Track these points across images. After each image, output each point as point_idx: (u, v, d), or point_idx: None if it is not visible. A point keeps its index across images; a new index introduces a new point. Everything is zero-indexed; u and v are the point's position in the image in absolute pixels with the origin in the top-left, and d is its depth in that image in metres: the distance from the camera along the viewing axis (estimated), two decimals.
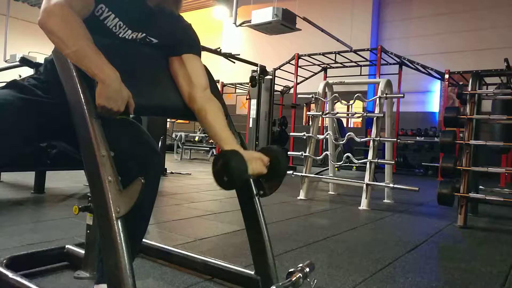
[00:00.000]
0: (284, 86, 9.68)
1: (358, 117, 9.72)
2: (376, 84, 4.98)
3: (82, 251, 1.52)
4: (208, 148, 9.73)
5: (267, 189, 1.22)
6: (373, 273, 1.76)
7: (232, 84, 11.35)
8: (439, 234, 2.70)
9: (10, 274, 1.27)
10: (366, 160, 3.77)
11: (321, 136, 4.25)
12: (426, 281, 1.70)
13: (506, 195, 3.35)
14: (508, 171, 3.68)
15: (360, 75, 9.03)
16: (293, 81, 9.37)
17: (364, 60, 8.67)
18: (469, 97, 3.07)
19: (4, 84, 1.20)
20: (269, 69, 7.69)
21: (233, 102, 12.58)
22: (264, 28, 6.24)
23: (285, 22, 5.91)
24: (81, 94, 0.99)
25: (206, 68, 1.33)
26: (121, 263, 0.89)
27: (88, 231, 1.48)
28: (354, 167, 7.68)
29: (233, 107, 12.43)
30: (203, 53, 1.38)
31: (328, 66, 9.46)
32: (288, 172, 3.47)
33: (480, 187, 3.56)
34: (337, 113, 5.16)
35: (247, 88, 8.37)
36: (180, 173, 5.80)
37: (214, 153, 9.33)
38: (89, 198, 1.42)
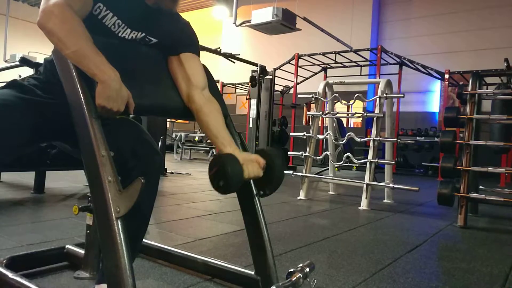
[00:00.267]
0: (284, 86, 9.68)
1: (358, 117, 9.69)
2: (376, 84, 4.99)
3: (82, 251, 1.52)
4: (208, 148, 9.73)
5: (267, 189, 1.22)
6: (373, 273, 1.76)
7: (232, 84, 11.35)
8: (439, 234, 2.70)
9: (10, 274, 1.27)
10: (366, 160, 3.77)
11: (321, 136, 4.25)
12: (426, 281, 1.70)
13: (506, 195, 3.35)
14: (508, 171, 3.67)
15: (360, 75, 9.03)
16: (293, 81, 9.37)
17: (364, 60, 8.67)
18: (469, 97, 3.07)
19: (4, 84, 1.20)
20: (269, 69, 7.68)
21: (233, 102, 12.58)
22: (264, 28, 6.24)
23: (285, 22, 5.91)
24: (81, 94, 0.99)
25: (205, 68, 1.33)
26: (121, 263, 0.89)
27: (88, 231, 1.48)
28: (354, 167, 7.68)
29: (233, 107, 12.44)
30: (203, 53, 1.37)
31: (328, 66, 9.46)
32: (288, 172, 3.48)
33: (480, 187, 3.55)
34: (337, 113, 5.16)
35: (247, 88, 8.37)
36: (180, 173, 5.80)
37: (214, 153, 9.33)
38: (89, 198, 1.42)
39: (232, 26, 7.66)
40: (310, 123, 4.47)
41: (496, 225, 3.23)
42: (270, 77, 7.61)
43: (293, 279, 1.11)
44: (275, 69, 8.60)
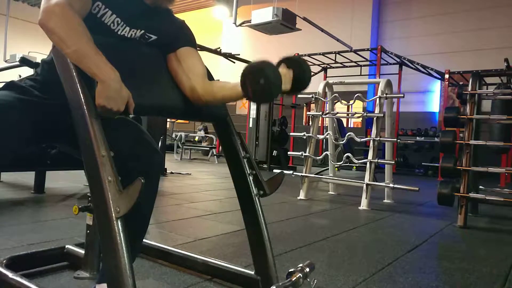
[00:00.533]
0: None
1: (358, 117, 9.70)
2: (376, 84, 4.98)
3: (82, 251, 1.52)
4: (208, 148, 9.73)
5: (267, 189, 1.21)
6: (373, 273, 1.76)
7: None
8: (439, 234, 2.70)
9: (10, 274, 1.27)
10: (366, 160, 3.77)
11: (321, 136, 4.25)
12: (426, 281, 1.70)
13: (506, 195, 3.35)
14: (508, 171, 3.67)
15: (360, 75, 9.03)
16: None
17: (364, 60, 8.67)
18: (469, 97, 3.07)
19: (3, 84, 1.21)
20: None
21: (233, 102, 12.58)
22: (264, 28, 6.24)
23: (285, 22, 5.91)
24: (81, 94, 0.99)
25: (206, 68, 1.33)
26: (121, 263, 0.89)
27: (88, 231, 1.48)
28: (354, 167, 7.68)
29: (233, 107, 12.43)
30: (203, 53, 1.38)
31: (328, 66, 9.46)
32: (288, 172, 3.48)
33: (480, 187, 3.56)
34: (337, 113, 5.16)
35: None
36: (180, 173, 5.79)
37: (214, 153, 9.33)
38: (89, 198, 1.42)
39: (232, 26, 7.65)
40: (310, 123, 4.47)
41: (496, 225, 3.23)
42: None
43: (293, 279, 1.11)
44: None
